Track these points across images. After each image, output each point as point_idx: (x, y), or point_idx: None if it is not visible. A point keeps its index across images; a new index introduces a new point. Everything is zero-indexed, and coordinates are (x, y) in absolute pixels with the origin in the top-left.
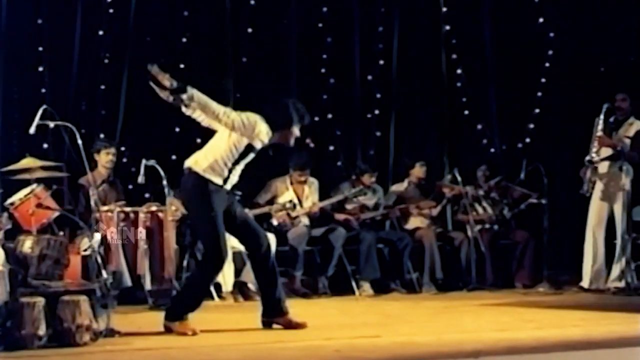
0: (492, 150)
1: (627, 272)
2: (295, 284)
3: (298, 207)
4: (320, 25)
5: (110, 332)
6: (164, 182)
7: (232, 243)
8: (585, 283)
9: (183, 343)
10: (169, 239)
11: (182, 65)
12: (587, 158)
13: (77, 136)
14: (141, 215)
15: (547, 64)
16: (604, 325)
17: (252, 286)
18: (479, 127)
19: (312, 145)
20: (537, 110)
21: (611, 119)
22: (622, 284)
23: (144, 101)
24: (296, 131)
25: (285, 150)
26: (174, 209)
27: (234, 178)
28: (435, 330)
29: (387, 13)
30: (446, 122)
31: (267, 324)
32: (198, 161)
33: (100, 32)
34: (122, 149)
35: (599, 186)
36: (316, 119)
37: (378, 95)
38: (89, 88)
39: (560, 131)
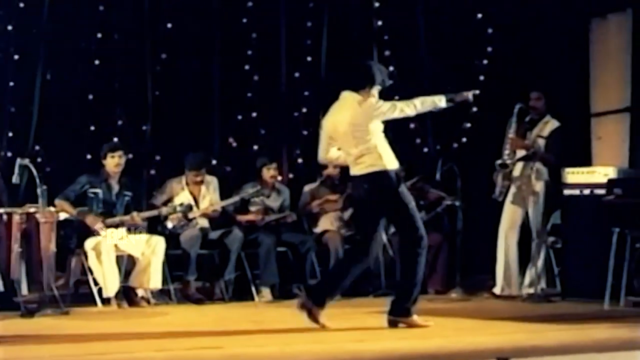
0: (426, 150)
1: (541, 278)
2: (189, 289)
3: (195, 208)
4: (244, 20)
5: None
6: (38, 182)
7: (122, 247)
8: (497, 289)
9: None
10: (47, 243)
11: (97, 62)
12: (499, 162)
13: None
14: (16, 217)
15: (485, 61)
16: (477, 336)
17: (141, 292)
18: (412, 126)
19: (234, 144)
20: (474, 109)
21: (527, 119)
22: (534, 290)
23: (59, 99)
24: (375, 93)
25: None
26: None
27: None
28: (288, 341)
29: (316, 8)
30: None
31: (392, 322)
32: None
33: (9, 27)
34: (37, 148)
35: (512, 189)
36: (239, 117)
37: (306, 93)
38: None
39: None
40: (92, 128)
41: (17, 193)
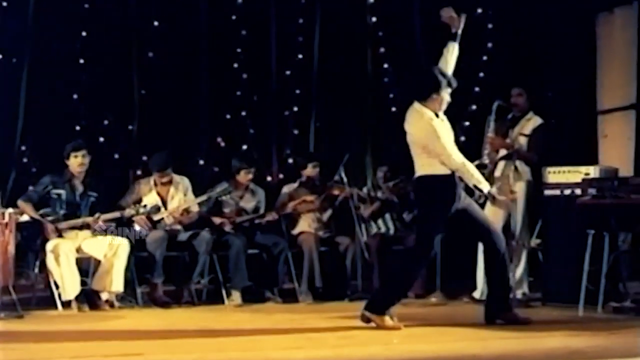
0: None
1: (523, 282)
2: (157, 292)
3: (162, 209)
4: (234, 17)
5: None
6: None
7: (85, 249)
8: (477, 293)
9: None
10: (5, 245)
11: (82, 61)
12: (477, 162)
13: None
14: None
15: (485, 58)
16: (420, 343)
17: (105, 295)
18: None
19: (222, 144)
20: (473, 107)
21: (509, 116)
22: (518, 295)
23: (44, 99)
24: (447, 96)
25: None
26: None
27: None
28: (223, 347)
29: (308, 3)
30: (371, 120)
31: (364, 318)
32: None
33: None
34: (23, 148)
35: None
36: (228, 116)
37: (297, 91)
38: None
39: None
40: (78, 128)
41: None
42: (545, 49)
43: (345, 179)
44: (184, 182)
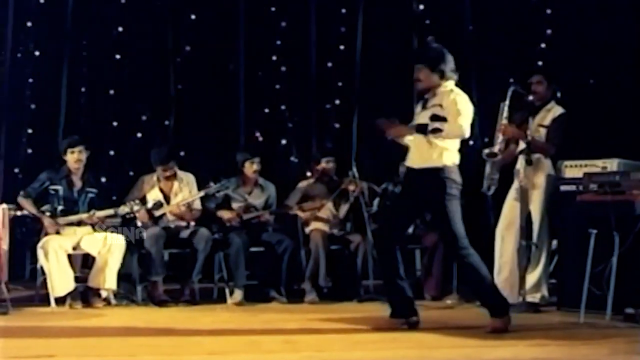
0: (471, 143)
1: (541, 284)
2: (156, 290)
3: (165, 205)
4: (272, 9)
5: None
6: None
7: (83, 246)
8: None
9: None
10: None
11: (118, 56)
12: (486, 151)
13: None
14: None
15: (543, 45)
16: (417, 349)
17: (104, 293)
18: None
19: (261, 139)
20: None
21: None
22: (537, 298)
23: (81, 95)
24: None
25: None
26: None
27: None
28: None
29: None
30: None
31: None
32: None
33: (29, 24)
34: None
35: (515, 184)
36: (266, 110)
37: (339, 84)
38: (19, 81)
39: None
40: (115, 124)
41: None
42: (601, 37)
43: (357, 174)
44: (188, 178)
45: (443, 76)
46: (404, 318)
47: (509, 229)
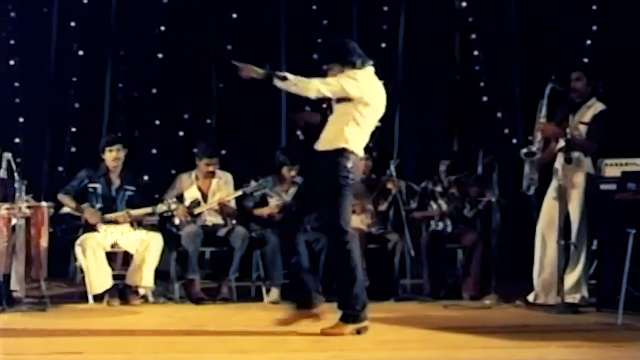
0: (515, 141)
1: (581, 285)
2: (193, 288)
3: (202, 203)
4: (314, 7)
5: None
6: (17, 177)
7: (121, 244)
8: (531, 296)
9: None
10: (37, 238)
11: (160, 55)
12: (524, 151)
13: None
14: (2, 212)
15: (588, 42)
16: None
17: (142, 291)
18: (499, 115)
19: (302, 137)
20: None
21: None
22: (576, 299)
23: (124, 94)
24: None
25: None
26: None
27: None
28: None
29: None
30: (460, 111)
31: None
32: None
33: (73, 24)
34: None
35: (553, 183)
36: (307, 109)
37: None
38: (62, 81)
39: None
40: (157, 122)
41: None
42: None
43: (394, 173)
44: (226, 177)
45: (354, 66)
46: (306, 310)
47: (550, 229)
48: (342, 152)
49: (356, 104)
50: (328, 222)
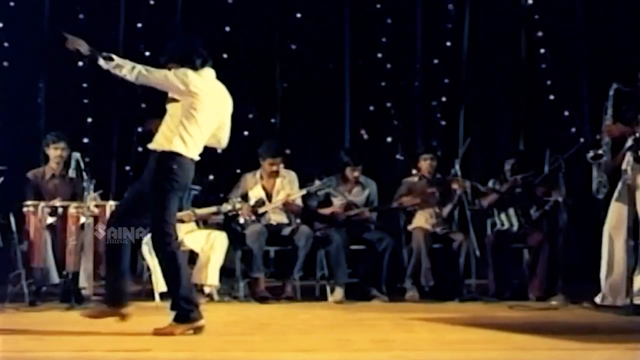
0: (582, 140)
1: None
2: (258, 286)
3: (267, 202)
4: (378, 6)
5: None
6: (86, 177)
7: (187, 242)
8: (598, 298)
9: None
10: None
11: (225, 55)
12: (590, 154)
13: None
14: (71, 211)
15: None
16: (510, 350)
17: (207, 289)
18: (566, 113)
19: (366, 136)
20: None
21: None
22: None
23: None
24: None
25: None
26: None
27: None
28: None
29: None
30: (526, 109)
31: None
32: None
33: (139, 25)
34: None
35: (622, 182)
36: (371, 108)
37: (445, 81)
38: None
39: None
40: None
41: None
42: None
43: (459, 173)
44: (290, 176)
45: (194, 66)
46: (116, 308)
47: (618, 229)
48: (168, 155)
49: (186, 106)
50: (153, 223)
